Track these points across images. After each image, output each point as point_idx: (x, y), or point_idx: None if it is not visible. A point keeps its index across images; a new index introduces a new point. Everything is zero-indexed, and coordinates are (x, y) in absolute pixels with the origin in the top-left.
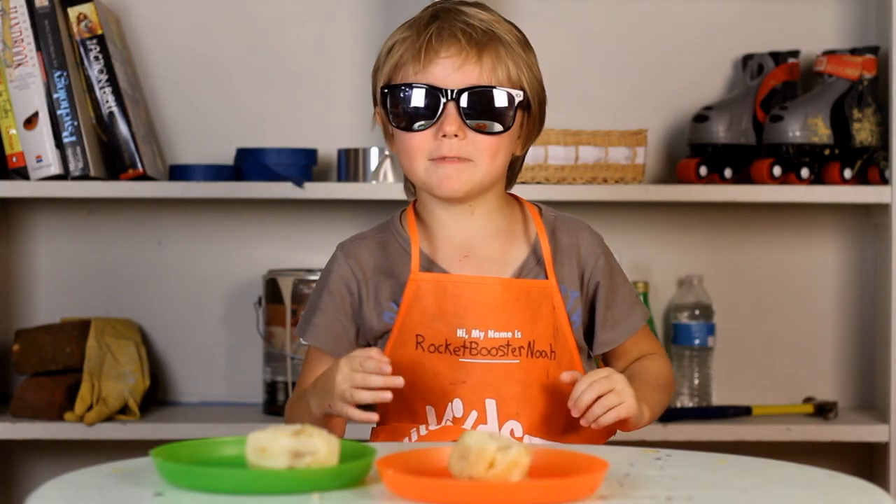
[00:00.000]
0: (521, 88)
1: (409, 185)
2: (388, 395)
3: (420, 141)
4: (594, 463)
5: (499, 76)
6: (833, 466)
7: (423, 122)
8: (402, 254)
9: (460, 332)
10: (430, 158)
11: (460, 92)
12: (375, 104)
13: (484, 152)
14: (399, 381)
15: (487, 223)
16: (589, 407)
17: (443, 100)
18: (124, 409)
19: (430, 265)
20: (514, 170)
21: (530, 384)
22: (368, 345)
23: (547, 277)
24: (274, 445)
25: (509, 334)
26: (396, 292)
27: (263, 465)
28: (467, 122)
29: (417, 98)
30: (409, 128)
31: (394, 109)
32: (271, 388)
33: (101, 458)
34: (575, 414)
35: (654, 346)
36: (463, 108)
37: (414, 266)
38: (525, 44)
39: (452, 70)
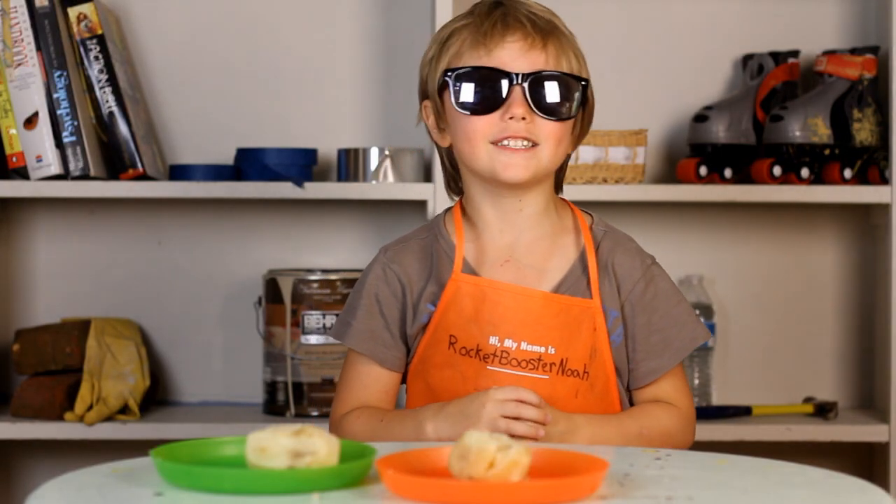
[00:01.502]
0: (583, 76)
1: (454, 184)
2: (542, 432)
3: (484, 125)
4: (594, 463)
5: (562, 65)
6: (833, 466)
7: (489, 106)
8: (445, 258)
9: (493, 340)
10: (493, 141)
11: (528, 76)
12: (425, 97)
13: (550, 137)
14: (549, 419)
15: (534, 225)
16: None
17: (510, 83)
18: (124, 409)
19: (470, 269)
20: (560, 171)
21: (556, 401)
22: (407, 347)
23: (591, 296)
24: (274, 445)
25: (542, 349)
26: (436, 295)
27: (263, 465)
28: (534, 106)
29: (486, 80)
30: (474, 111)
31: (457, 94)
32: (271, 388)
33: (101, 458)
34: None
35: (673, 395)
36: (530, 92)
37: (456, 266)
38: (577, 44)
39: (519, 54)
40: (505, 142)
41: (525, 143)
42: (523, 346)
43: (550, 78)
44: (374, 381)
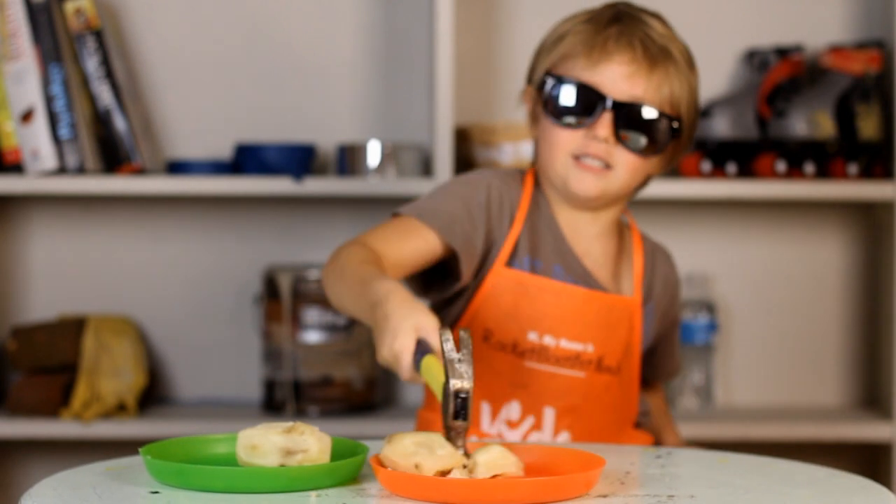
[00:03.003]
0: (679, 114)
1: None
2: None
3: (567, 138)
4: (591, 460)
5: (662, 95)
6: (836, 466)
7: (576, 121)
8: (506, 226)
9: (532, 336)
10: (573, 155)
11: (623, 104)
12: (529, 82)
13: (626, 165)
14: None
15: (604, 239)
16: None
17: (603, 105)
18: (122, 407)
19: (524, 253)
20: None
21: (591, 397)
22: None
23: (633, 293)
24: (265, 443)
25: (581, 346)
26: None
27: (255, 463)
28: (618, 134)
29: (579, 96)
30: (560, 123)
31: (551, 99)
32: (270, 385)
33: (99, 456)
34: None
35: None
36: (619, 120)
37: (501, 258)
38: (691, 64)
39: (621, 77)
40: (583, 158)
41: (601, 163)
42: (563, 343)
43: (643, 110)
44: (415, 235)
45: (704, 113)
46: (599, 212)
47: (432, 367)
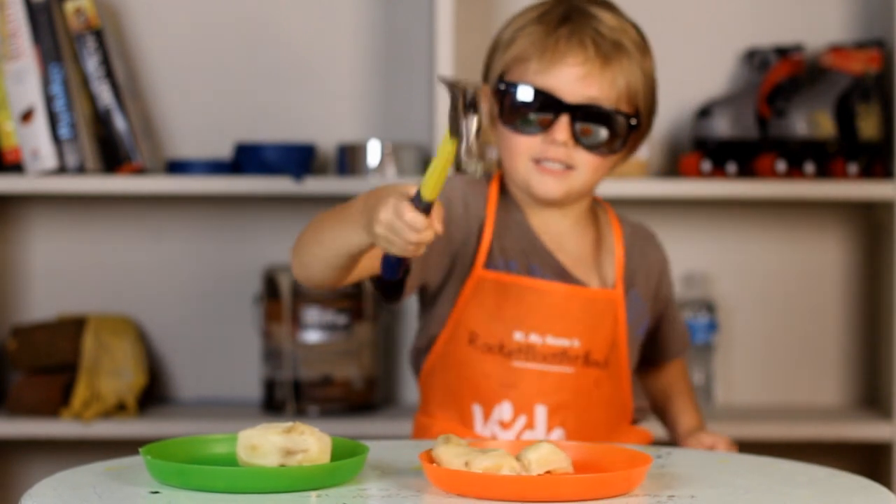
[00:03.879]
0: (636, 106)
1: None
2: (418, 251)
3: (526, 143)
4: (638, 457)
5: (618, 90)
6: (836, 466)
7: (533, 127)
8: (475, 229)
9: (518, 336)
10: (533, 160)
11: (578, 106)
12: (485, 81)
13: (587, 164)
14: (429, 237)
15: (576, 233)
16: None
17: (559, 108)
18: (122, 407)
19: (499, 256)
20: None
21: (580, 392)
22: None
23: (614, 286)
24: (265, 443)
25: (567, 342)
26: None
27: (255, 463)
28: (577, 136)
29: (535, 101)
30: (518, 129)
31: (506, 106)
32: (270, 385)
33: (99, 455)
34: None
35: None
36: (576, 123)
37: (479, 261)
38: (644, 48)
39: (575, 79)
40: (544, 162)
41: (561, 165)
42: (549, 340)
43: (598, 113)
44: None
45: (704, 113)
46: (568, 206)
47: (433, 161)
